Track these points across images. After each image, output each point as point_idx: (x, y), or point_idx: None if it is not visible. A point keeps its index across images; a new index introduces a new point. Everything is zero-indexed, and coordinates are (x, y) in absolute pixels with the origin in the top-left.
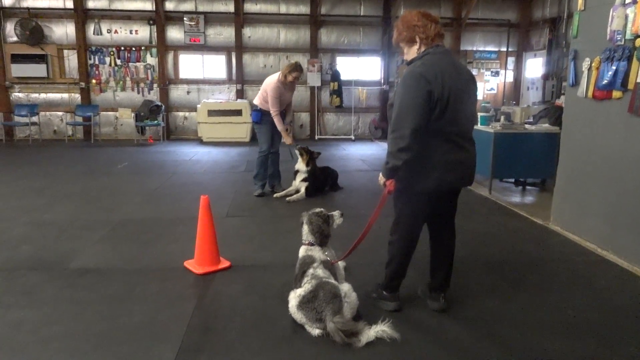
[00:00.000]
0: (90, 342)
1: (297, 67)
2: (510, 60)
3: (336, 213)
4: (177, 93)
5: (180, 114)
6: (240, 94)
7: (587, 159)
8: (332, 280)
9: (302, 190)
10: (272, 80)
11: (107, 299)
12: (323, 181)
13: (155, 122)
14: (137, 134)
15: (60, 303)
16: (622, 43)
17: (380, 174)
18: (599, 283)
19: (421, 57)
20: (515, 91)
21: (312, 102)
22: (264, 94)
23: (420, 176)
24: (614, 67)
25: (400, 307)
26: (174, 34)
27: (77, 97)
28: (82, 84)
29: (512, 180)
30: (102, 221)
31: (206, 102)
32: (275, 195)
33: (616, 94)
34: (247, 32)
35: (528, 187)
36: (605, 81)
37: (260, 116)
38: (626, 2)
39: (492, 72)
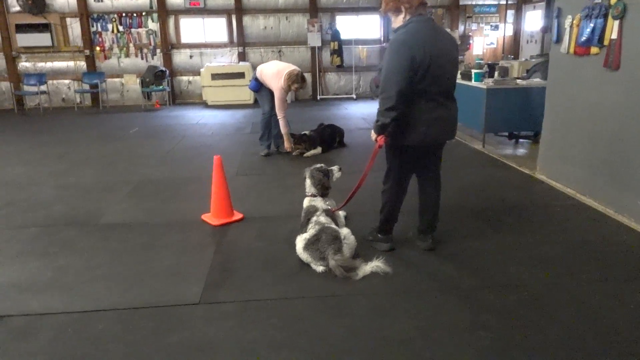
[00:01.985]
0: (128, 281)
1: (298, 79)
2: (510, 14)
3: (335, 168)
4: (180, 58)
5: (185, 78)
6: (242, 57)
7: (569, 111)
8: (333, 225)
9: (319, 148)
10: (278, 84)
11: (137, 247)
12: (331, 138)
13: (161, 87)
14: (144, 99)
15: (98, 252)
16: (600, 1)
17: (372, 131)
18: (572, 223)
19: (405, 25)
20: (514, 45)
21: (313, 63)
22: (266, 79)
23: (407, 131)
24: (592, 25)
25: (392, 247)
26: None
27: (82, 64)
28: (87, 52)
29: (506, 133)
30: (122, 182)
31: (209, 66)
32: (305, 155)
33: (594, 50)
34: None
35: (521, 140)
36: (585, 38)
37: (260, 86)
38: None
39: (491, 26)
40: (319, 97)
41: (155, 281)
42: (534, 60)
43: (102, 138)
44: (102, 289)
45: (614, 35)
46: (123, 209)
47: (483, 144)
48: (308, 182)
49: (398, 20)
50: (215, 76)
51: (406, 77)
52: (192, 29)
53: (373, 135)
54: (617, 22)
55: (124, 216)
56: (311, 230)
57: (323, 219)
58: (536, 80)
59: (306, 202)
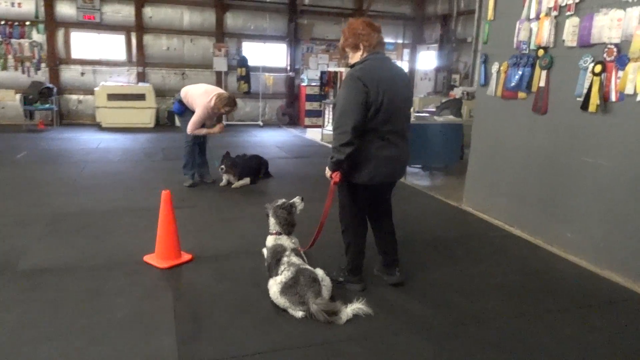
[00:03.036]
0: (81, 339)
1: (231, 102)
2: (406, 52)
3: (297, 199)
4: (70, 74)
5: (74, 97)
6: (141, 77)
7: (496, 148)
8: (308, 266)
9: (247, 179)
10: (204, 101)
11: (79, 296)
12: (257, 169)
13: (47, 105)
14: (25, 118)
15: (31, 305)
16: (527, 52)
17: (327, 168)
18: (512, 253)
19: (362, 62)
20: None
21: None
22: (191, 98)
23: (356, 169)
24: (520, 72)
25: (365, 286)
26: (65, 9)
27: None
28: None
29: (420, 165)
30: (33, 216)
31: (105, 85)
32: (234, 186)
33: (521, 94)
34: (149, 11)
35: (434, 172)
36: (513, 84)
37: (184, 109)
38: (530, 17)
39: None
40: (224, 123)
41: (114, 336)
42: (431, 97)
43: None
44: (53, 352)
45: (542, 83)
46: (45, 249)
47: (405, 176)
48: (272, 220)
49: (355, 57)
50: (112, 96)
51: (361, 113)
52: (85, 44)
53: (327, 172)
54: (544, 72)
55: (49, 259)
56: (286, 273)
57: (295, 259)
58: (450, 117)
59: (270, 240)
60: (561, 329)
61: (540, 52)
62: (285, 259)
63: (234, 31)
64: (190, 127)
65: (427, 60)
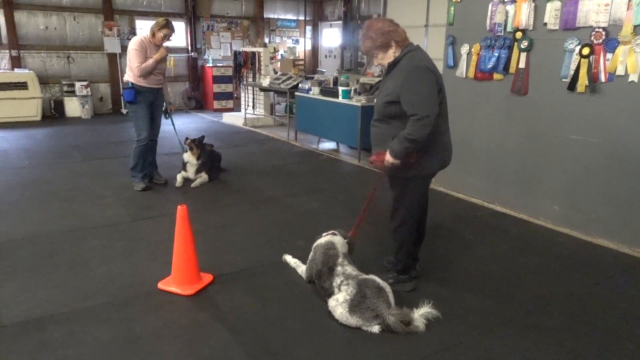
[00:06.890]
0: None
1: (167, 24)
2: (308, 29)
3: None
4: None
5: None
6: (16, 62)
7: (469, 128)
8: (369, 276)
9: (204, 175)
10: (134, 38)
11: (111, 347)
12: (211, 163)
13: None
14: None
15: None
16: (503, 34)
17: (388, 155)
18: (512, 232)
19: (405, 54)
20: (313, 59)
21: (112, 72)
22: (129, 61)
23: (429, 159)
24: (496, 54)
25: (416, 286)
26: None
27: None
28: None
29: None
30: None
31: None
32: (193, 185)
33: (497, 76)
34: None
35: None
36: (490, 65)
37: (134, 94)
38: (505, 0)
39: (293, 39)
40: (123, 111)
41: None
42: (344, 73)
43: None
44: None
45: (522, 65)
46: (19, 291)
47: (359, 159)
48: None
49: (388, 56)
50: None
51: (437, 100)
52: None
53: (390, 159)
54: (524, 54)
55: (36, 303)
56: (347, 288)
57: (349, 268)
58: None
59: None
60: (612, 305)
61: (519, 34)
62: (339, 268)
63: (124, 7)
64: (135, 68)
65: (331, 37)
